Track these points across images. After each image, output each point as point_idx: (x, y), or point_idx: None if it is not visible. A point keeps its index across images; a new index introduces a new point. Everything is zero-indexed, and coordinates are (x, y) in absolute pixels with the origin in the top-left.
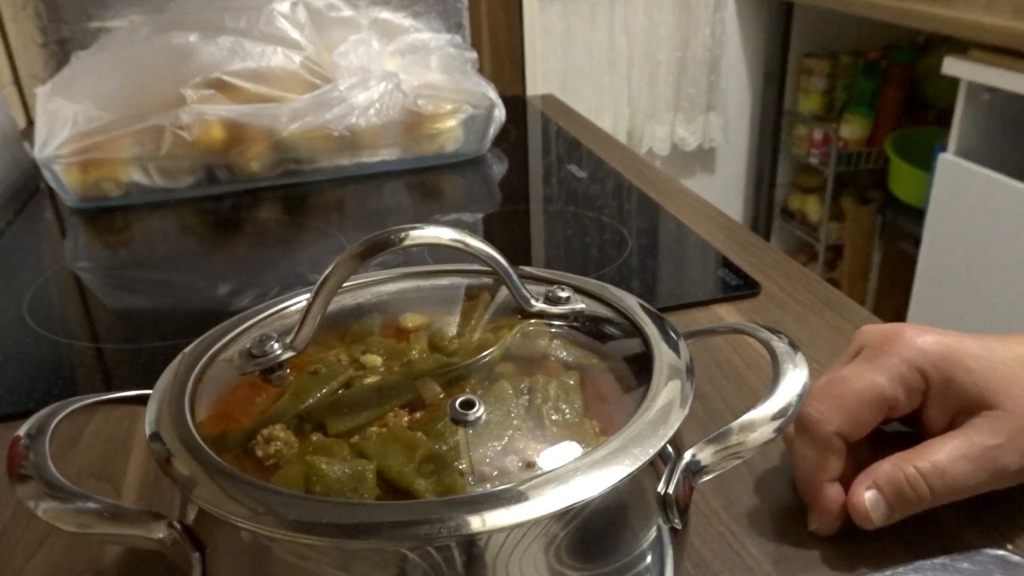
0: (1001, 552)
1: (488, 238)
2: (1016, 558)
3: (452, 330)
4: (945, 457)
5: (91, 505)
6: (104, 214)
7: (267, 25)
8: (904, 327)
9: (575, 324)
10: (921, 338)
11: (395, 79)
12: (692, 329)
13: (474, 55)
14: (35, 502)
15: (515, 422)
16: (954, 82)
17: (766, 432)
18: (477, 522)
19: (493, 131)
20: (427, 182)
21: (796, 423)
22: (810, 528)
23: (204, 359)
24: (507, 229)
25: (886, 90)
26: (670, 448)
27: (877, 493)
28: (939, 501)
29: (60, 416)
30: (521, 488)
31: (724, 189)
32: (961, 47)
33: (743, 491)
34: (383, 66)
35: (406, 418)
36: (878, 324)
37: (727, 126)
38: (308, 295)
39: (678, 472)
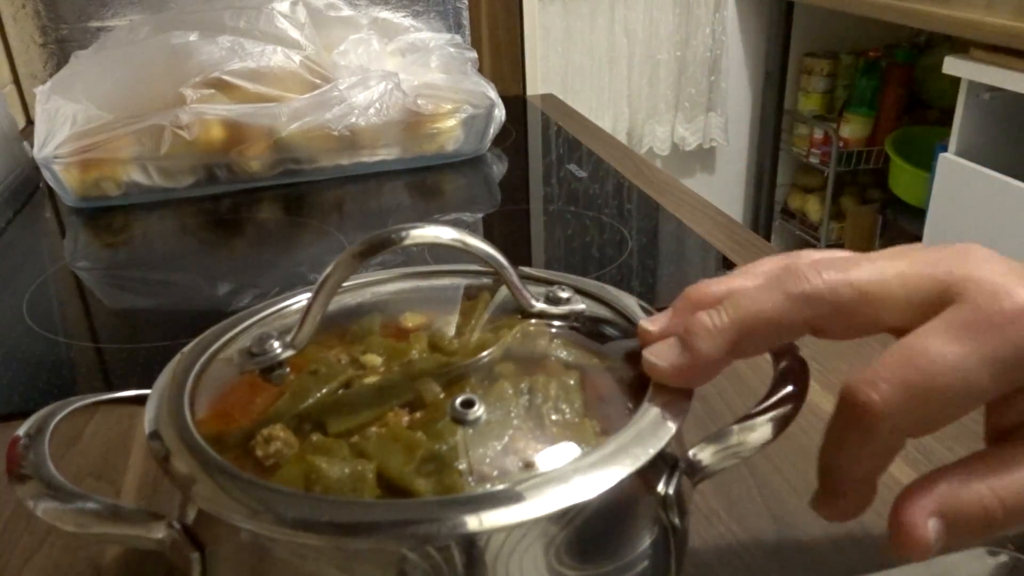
0: (1001, 552)
1: (488, 238)
2: (1016, 557)
3: (452, 330)
4: None
5: (91, 505)
6: (104, 214)
7: (267, 25)
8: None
9: (575, 324)
10: None
11: (395, 79)
12: None
13: (474, 55)
14: (34, 502)
15: (515, 422)
16: (955, 82)
17: (766, 432)
18: (476, 522)
19: (493, 131)
20: (427, 182)
21: (848, 404)
22: (818, 511)
23: (203, 358)
24: (507, 229)
25: (886, 90)
26: (670, 448)
27: (941, 523)
28: (1006, 531)
29: (60, 416)
30: (521, 488)
31: (724, 189)
32: (962, 47)
33: (743, 491)
34: (383, 66)
35: (406, 418)
36: (984, 254)
37: (727, 126)
38: (308, 295)
39: (678, 472)
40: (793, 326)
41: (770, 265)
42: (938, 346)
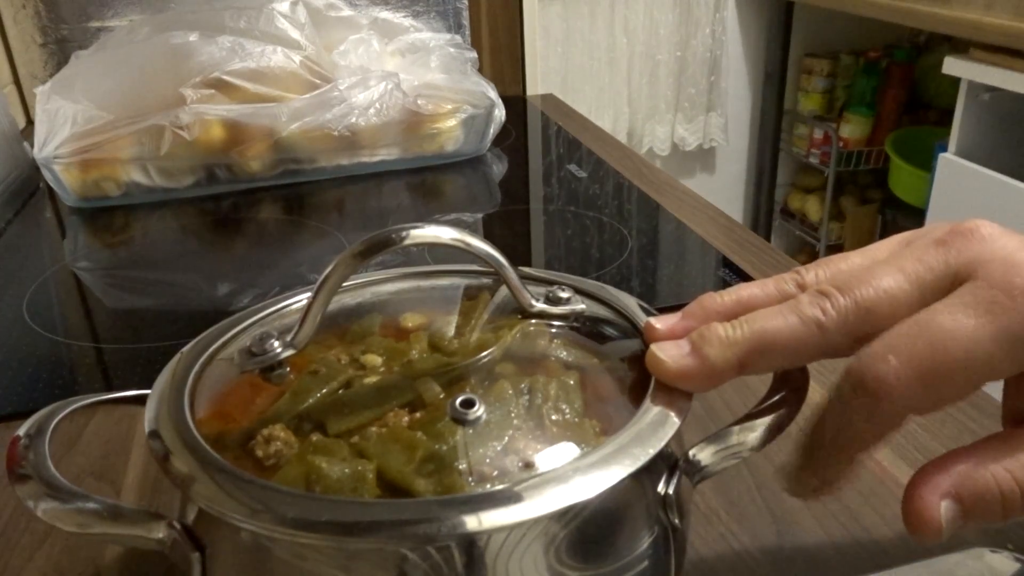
0: (1001, 552)
1: (488, 238)
2: (1017, 557)
3: (452, 330)
4: None
5: (91, 505)
6: (104, 214)
7: (267, 25)
8: None
9: (575, 324)
10: None
11: (395, 79)
12: None
13: (474, 55)
14: (35, 502)
15: (515, 422)
16: (954, 82)
17: (766, 432)
18: (476, 522)
19: (493, 131)
20: (427, 182)
21: (856, 378)
22: (790, 486)
23: (203, 358)
24: (507, 229)
25: (886, 90)
26: (670, 448)
27: (956, 505)
28: None
29: (60, 416)
30: (520, 488)
31: (724, 189)
32: (961, 47)
33: (743, 491)
34: (383, 66)
35: (406, 418)
36: (992, 231)
37: (727, 126)
38: (308, 294)
39: (678, 472)
40: (808, 350)
41: (784, 283)
42: (950, 320)
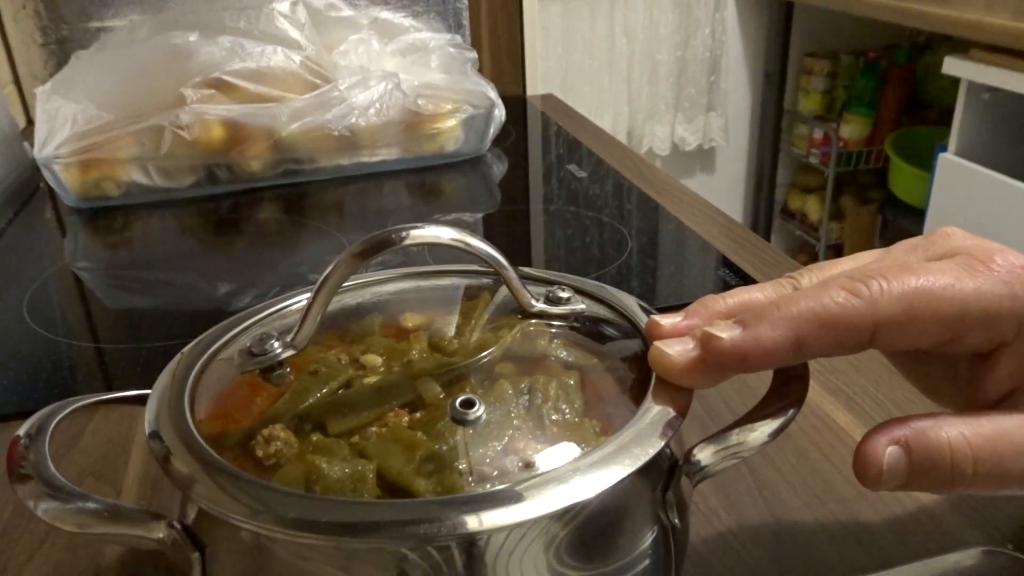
0: (1001, 551)
1: (488, 238)
2: (1017, 557)
3: (452, 330)
4: (1009, 437)
5: (91, 505)
6: (104, 214)
7: (267, 25)
8: (1016, 254)
9: (575, 324)
10: None
11: (395, 79)
12: None
13: (474, 55)
14: (35, 502)
15: (515, 422)
16: (954, 82)
17: (766, 432)
18: (476, 522)
19: (493, 131)
20: (427, 182)
21: (843, 279)
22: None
23: (204, 358)
24: (507, 229)
25: (886, 90)
26: (670, 448)
27: (902, 453)
28: (975, 489)
29: (60, 416)
30: (521, 488)
31: (724, 189)
32: (961, 47)
33: (743, 491)
34: (383, 66)
35: (406, 418)
36: (964, 234)
37: (727, 126)
38: (308, 295)
39: (678, 472)
40: (860, 326)
41: (781, 286)
42: (936, 267)
